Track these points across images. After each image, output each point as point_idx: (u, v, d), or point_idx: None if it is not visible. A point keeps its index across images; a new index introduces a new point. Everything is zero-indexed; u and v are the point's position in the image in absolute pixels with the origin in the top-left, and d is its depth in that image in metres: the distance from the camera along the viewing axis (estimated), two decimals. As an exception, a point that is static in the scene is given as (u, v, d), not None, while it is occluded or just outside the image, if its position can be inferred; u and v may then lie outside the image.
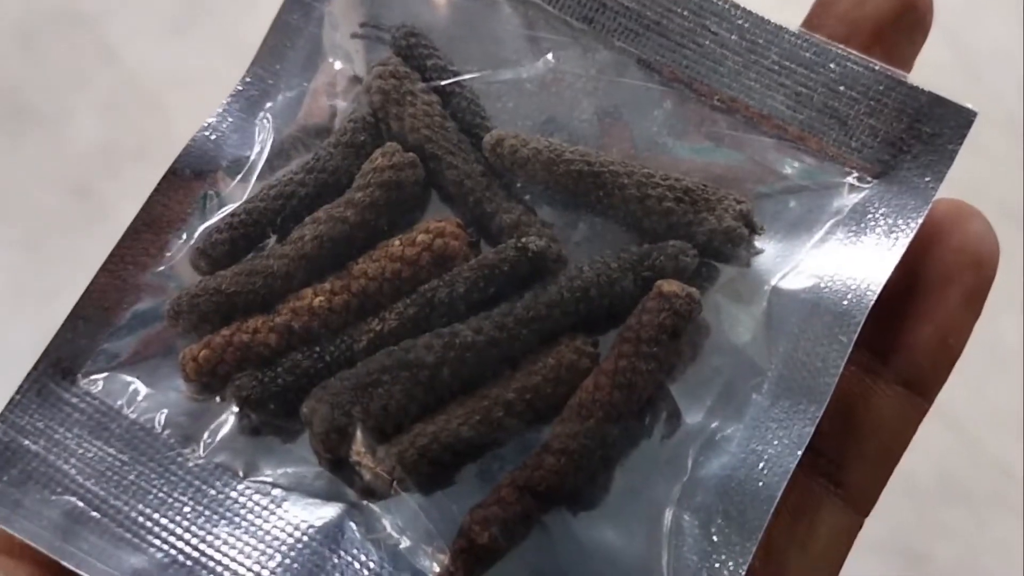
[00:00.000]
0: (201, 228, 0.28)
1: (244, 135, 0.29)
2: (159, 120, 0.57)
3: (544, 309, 0.25)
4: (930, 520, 0.51)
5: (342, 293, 0.26)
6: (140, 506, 0.24)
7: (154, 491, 0.25)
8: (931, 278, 0.25)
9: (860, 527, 0.26)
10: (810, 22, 0.29)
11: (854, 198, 0.26)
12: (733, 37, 0.28)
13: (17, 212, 0.60)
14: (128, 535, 0.24)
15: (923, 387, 0.26)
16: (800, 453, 0.23)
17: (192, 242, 0.28)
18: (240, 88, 0.29)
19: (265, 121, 0.29)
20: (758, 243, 0.26)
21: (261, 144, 0.29)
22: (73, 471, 0.25)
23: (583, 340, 0.25)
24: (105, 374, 0.26)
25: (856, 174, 0.27)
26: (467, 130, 0.29)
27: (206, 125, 0.29)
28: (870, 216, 0.26)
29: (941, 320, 0.25)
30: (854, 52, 0.27)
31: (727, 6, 0.28)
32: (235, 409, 0.26)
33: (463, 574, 0.23)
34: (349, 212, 0.27)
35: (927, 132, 0.26)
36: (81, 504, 0.24)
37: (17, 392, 0.25)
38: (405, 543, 0.24)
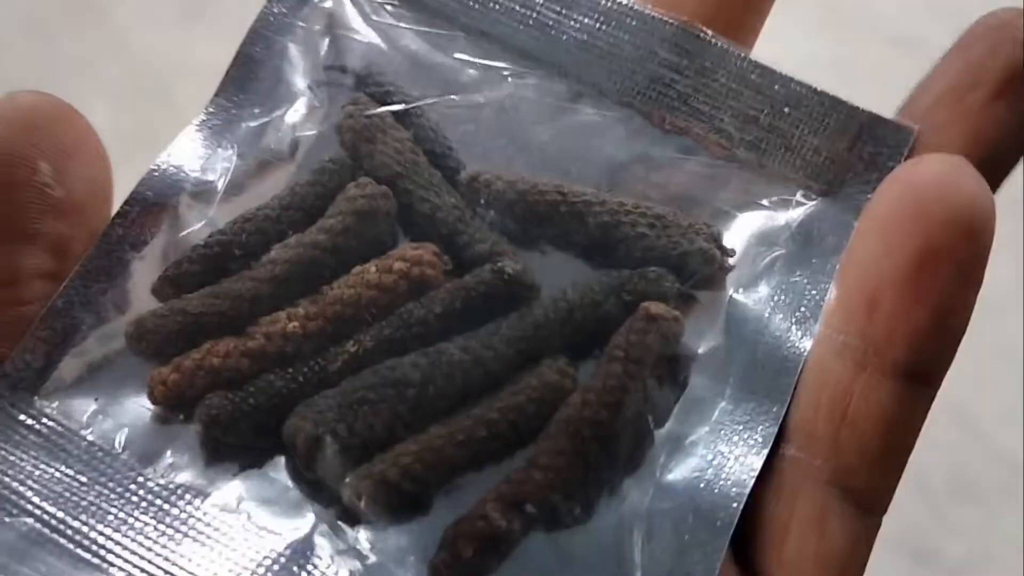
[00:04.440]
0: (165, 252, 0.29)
1: (207, 162, 0.30)
2: (167, 109, 0.57)
3: (530, 329, 0.27)
4: (939, 517, 0.52)
5: (317, 319, 0.27)
6: (100, 526, 0.25)
7: (114, 511, 0.25)
8: (920, 257, 0.24)
9: (878, 528, 0.26)
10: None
11: (800, 214, 0.28)
12: (683, 61, 0.30)
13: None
14: (88, 555, 0.24)
15: (925, 375, 0.25)
16: (766, 451, 0.25)
17: (157, 267, 0.28)
18: (204, 118, 0.30)
19: (228, 149, 0.30)
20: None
21: (224, 171, 0.30)
22: (30, 493, 0.25)
23: (565, 362, 0.27)
24: (63, 394, 0.26)
25: (802, 192, 0.29)
26: (434, 159, 0.30)
27: (168, 152, 0.30)
28: (816, 233, 0.28)
29: (937, 302, 0.24)
30: (797, 76, 0.29)
31: (677, 31, 0.30)
32: (201, 429, 0.26)
33: None
34: (321, 237, 0.28)
35: (868, 151, 0.28)
36: (38, 526, 0.24)
37: None
38: (375, 557, 0.25)
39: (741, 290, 0.28)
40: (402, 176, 0.29)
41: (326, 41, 0.32)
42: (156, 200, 0.29)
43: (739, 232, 0.29)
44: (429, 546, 0.25)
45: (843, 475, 0.25)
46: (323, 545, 0.25)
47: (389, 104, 0.30)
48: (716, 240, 0.28)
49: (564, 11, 0.31)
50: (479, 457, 0.25)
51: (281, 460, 0.26)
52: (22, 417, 0.26)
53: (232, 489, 0.26)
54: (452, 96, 0.31)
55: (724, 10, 0.31)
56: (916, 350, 0.24)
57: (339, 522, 0.25)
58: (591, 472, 0.25)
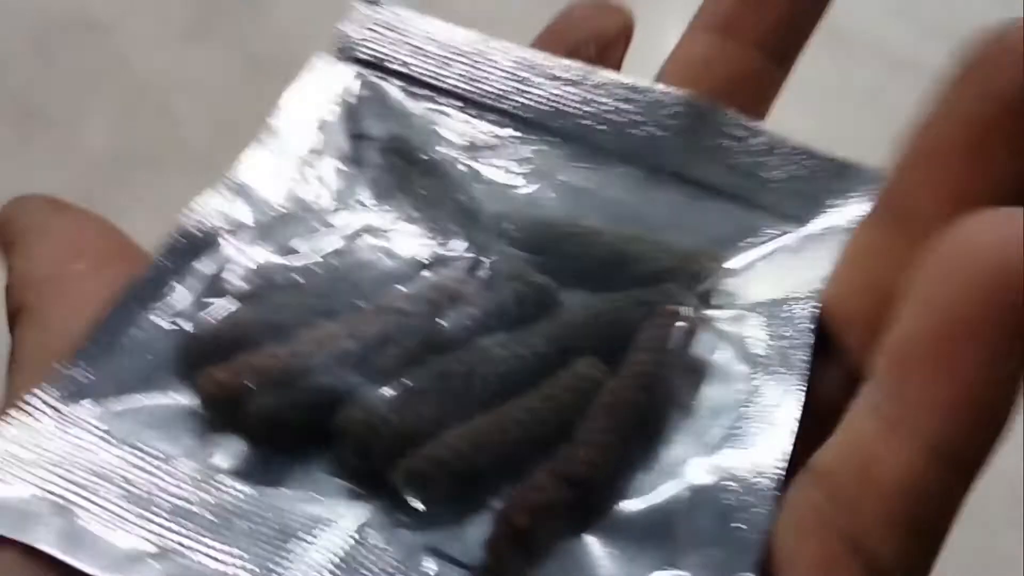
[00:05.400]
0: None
1: (244, 203, 0.33)
2: (170, 127, 0.58)
3: (561, 330, 0.29)
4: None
5: (363, 324, 0.29)
6: (148, 514, 0.26)
7: (165, 502, 0.26)
8: (951, 326, 0.22)
9: None
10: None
11: (781, 242, 0.32)
12: (670, 121, 0.34)
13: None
14: (134, 536, 0.25)
15: (955, 455, 0.23)
16: (799, 410, 0.27)
17: (199, 293, 0.30)
18: (240, 164, 0.33)
19: (263, 192, 0.33)
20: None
21: (256, 214, 0.32)
22: (84, 481, 0.26)
23: (596, 360, 0.29)
24: (118, 395, 0.28)
25: (782, 225, 0.32)
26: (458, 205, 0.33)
27: (211, 192, 0.32)
28: (799, 253, 0.31)
29: (963, 376, 0.22)
30: (771, 130, 0.34)
31: (662, 95, 0.34)
32: (249, 427, 0.27)
33: (503, 562, 0.25)
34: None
35: (840, 189, 0.33)
36: (91, 512, 0.26)
37: (30, 415, 0.27)
38: (428, 542, 0.26)
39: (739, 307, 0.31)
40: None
41: (354, 110, 0.35)
42: (198, 234, 0.31)
43: (730, 260, 0.32)
44: (483, 531, 0.26)
45: (860, 535, 0.24)
46: (377, 535, 0.26)
47: (413, 162, 0.34)
48: (718, 261, 0.32)
49: (563, 88, 0.35)
50: (523, 441, 0.27)
51: (329, 456, 0.27)
52: (78, 415, 0.27)
53: (281, 485, 0.27)
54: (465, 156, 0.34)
55: (739, 85, 0.34)
56: (941, 427, 0.23)
57: (393, 511, 0.26)
58: (632, 449, 0.27)
